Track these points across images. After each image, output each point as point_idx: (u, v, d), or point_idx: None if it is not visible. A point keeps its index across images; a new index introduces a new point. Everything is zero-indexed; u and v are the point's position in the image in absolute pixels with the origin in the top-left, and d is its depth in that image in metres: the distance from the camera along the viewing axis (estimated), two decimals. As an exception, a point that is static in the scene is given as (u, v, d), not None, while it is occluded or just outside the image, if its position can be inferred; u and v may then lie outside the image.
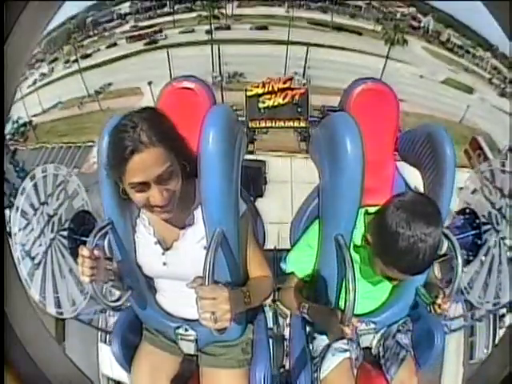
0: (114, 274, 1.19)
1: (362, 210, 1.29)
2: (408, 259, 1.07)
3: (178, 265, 1.19)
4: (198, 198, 1.13)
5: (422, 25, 11.41)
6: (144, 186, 1.00)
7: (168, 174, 1.01)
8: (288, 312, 1.70)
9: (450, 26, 11.02)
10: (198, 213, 1.15)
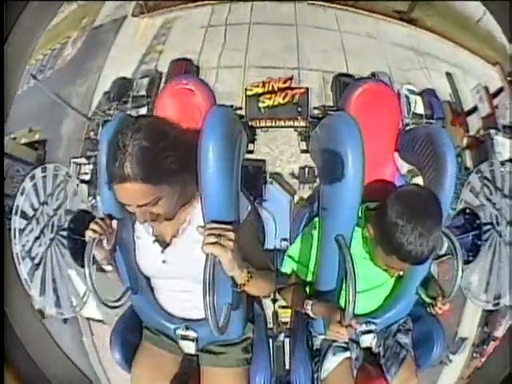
0: (112, 260, 1.20)
1: (363, 207, 1.29)
2: (407, 250, 1.08)
3: (177, 262, 1.19)
4: (198, 195, 1.13)
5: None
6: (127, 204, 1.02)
7: (153, 203, 1.01)
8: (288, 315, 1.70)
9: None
10: (198, 209, 1.15)
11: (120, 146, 0.97)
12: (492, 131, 3.34)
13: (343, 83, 3.72)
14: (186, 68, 3.92)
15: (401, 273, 1.23)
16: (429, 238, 1.07)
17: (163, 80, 3.88)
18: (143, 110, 3.67)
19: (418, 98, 3.70)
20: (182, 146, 1.05)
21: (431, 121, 3.61)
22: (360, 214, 1.27)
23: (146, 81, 3.89)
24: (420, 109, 3.67)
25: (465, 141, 3.45)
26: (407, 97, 3.66)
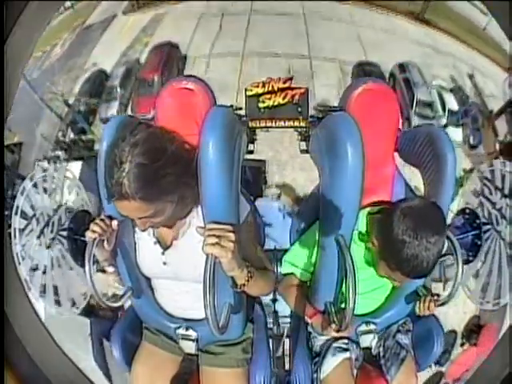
0: (114, 261, 1.21)
1: (365, 211, 1.29)
2: (412, 265, 1.08)
3: (178, 264, 1.19)
4: (198, 197, 1.13)
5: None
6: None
7: (151, 216, 1.02)
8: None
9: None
10: (198, 211, 1.15)
11: (117, 163, 0.95)
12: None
13: (367, 73, 3.33)
14: (168, 54, 3.51)
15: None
16: (434, 251, 1.07)
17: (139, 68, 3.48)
18: (114, 104, 3.41)
19: (450, 95, 3.37)
20: (180, 161, 1.04)
21: (467, 120, 3.25)
22: (362, 219, 1.27)
23: (121, 71, 3.54)
24: (453, 106, 3.33)
25: (497, 146, 3.11)
26: (440, 94, 3.33)
